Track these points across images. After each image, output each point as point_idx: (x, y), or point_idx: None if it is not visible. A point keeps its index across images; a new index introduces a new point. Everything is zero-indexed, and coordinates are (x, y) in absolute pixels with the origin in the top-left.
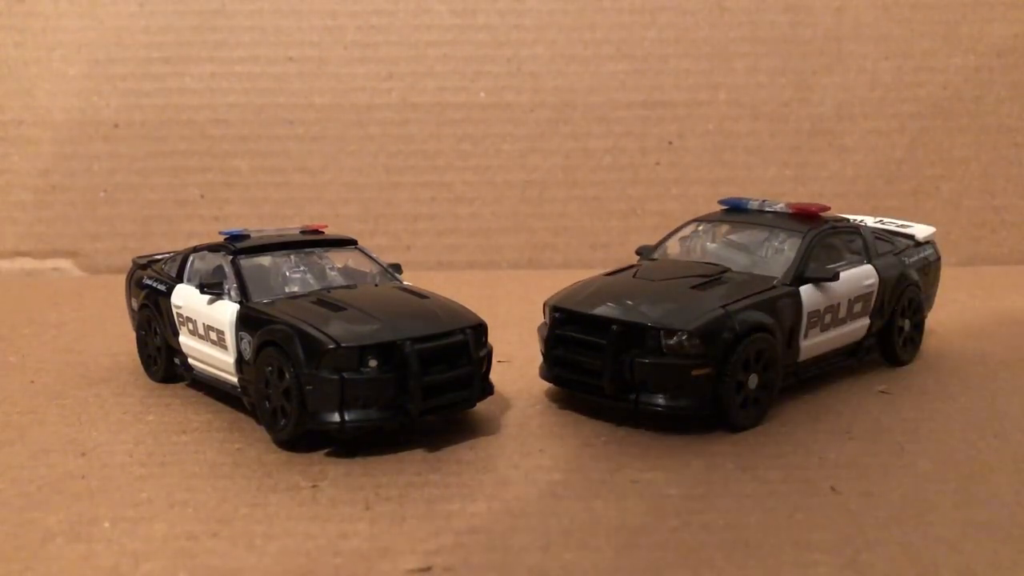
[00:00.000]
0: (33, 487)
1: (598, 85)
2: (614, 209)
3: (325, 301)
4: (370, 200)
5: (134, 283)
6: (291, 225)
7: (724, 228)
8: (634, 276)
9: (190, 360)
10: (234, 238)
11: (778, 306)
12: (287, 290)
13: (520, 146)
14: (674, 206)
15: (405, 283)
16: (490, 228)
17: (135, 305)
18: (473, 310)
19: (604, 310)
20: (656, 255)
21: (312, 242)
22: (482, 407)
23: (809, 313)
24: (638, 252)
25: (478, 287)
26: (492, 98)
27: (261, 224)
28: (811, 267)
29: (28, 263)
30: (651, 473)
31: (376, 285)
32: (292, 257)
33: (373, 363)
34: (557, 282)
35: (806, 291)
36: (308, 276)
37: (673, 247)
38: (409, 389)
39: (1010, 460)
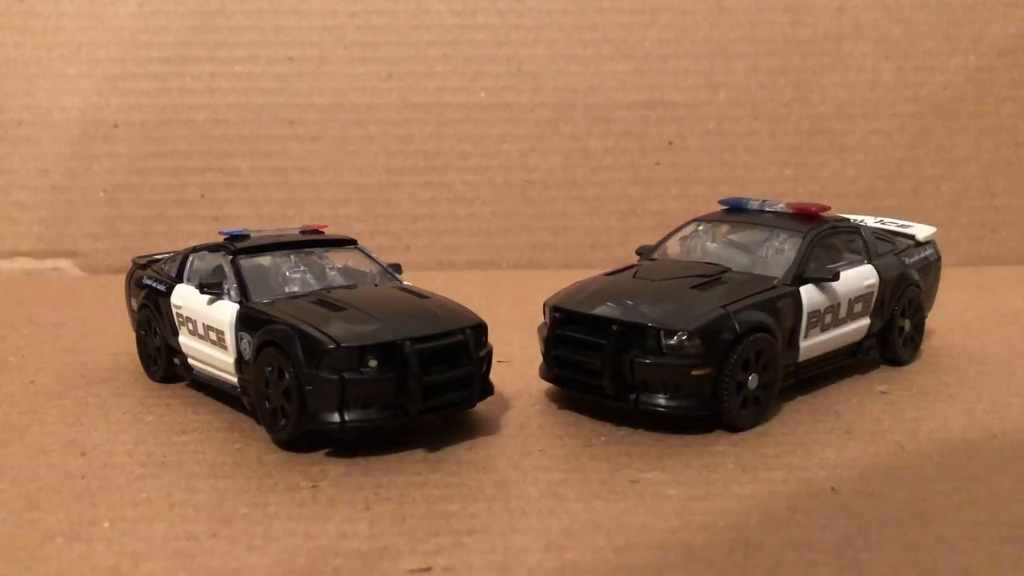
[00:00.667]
0: (33, 487)
1: (598, 85)
2: (614, 209)
3: (325, 301)
4: (370, 200)
5: (134, 283)
6: (291, 225)
7: (724, 228)
8: (634, 276)
9: (190, 360)
10: (234, 238)
11: (778, 306)
12: (287, 290)
13: (520, 146)
14: (674, 206)
15: (405, 283)
16: (490, 228)
17: (135, 305)
18: (473, 310)
19: (604, 310)
20: (656, 255)
21: (312, 242)
22: (482, 407)
23: (809, 313)
24: (638, 252)
25: (478, 287)
26: (492, 98)
27: (261, 224)
28: (811, 267)
29: (28, 263)
30: (651, 473)
31: (376, 285)
32: (292, 257)
33: (373, 363)
34: (557, 282)
35: (806, 291)
36: (308, 276)
37: (673, 247)
38: (409, 389)
39: (1010, 460)
